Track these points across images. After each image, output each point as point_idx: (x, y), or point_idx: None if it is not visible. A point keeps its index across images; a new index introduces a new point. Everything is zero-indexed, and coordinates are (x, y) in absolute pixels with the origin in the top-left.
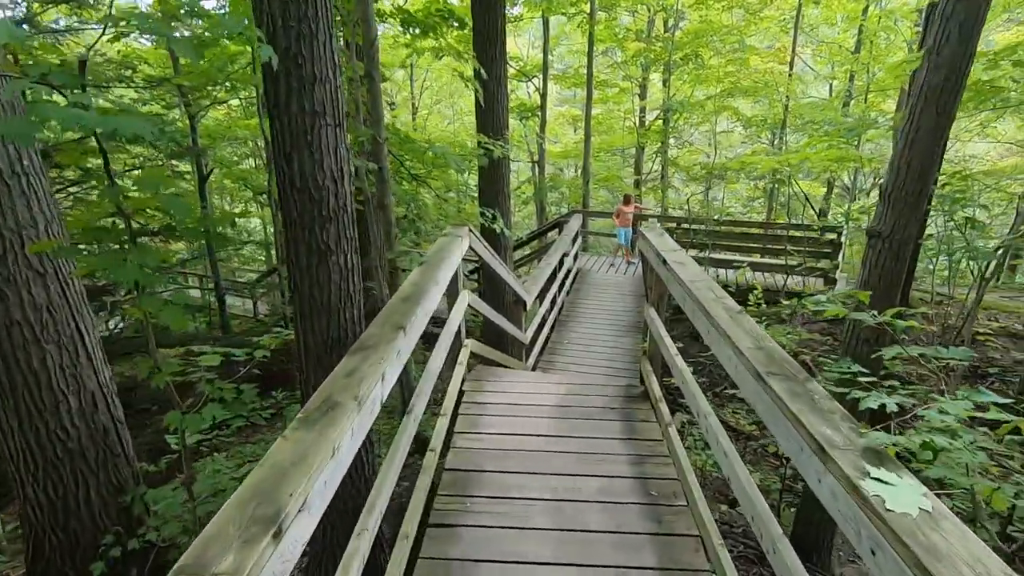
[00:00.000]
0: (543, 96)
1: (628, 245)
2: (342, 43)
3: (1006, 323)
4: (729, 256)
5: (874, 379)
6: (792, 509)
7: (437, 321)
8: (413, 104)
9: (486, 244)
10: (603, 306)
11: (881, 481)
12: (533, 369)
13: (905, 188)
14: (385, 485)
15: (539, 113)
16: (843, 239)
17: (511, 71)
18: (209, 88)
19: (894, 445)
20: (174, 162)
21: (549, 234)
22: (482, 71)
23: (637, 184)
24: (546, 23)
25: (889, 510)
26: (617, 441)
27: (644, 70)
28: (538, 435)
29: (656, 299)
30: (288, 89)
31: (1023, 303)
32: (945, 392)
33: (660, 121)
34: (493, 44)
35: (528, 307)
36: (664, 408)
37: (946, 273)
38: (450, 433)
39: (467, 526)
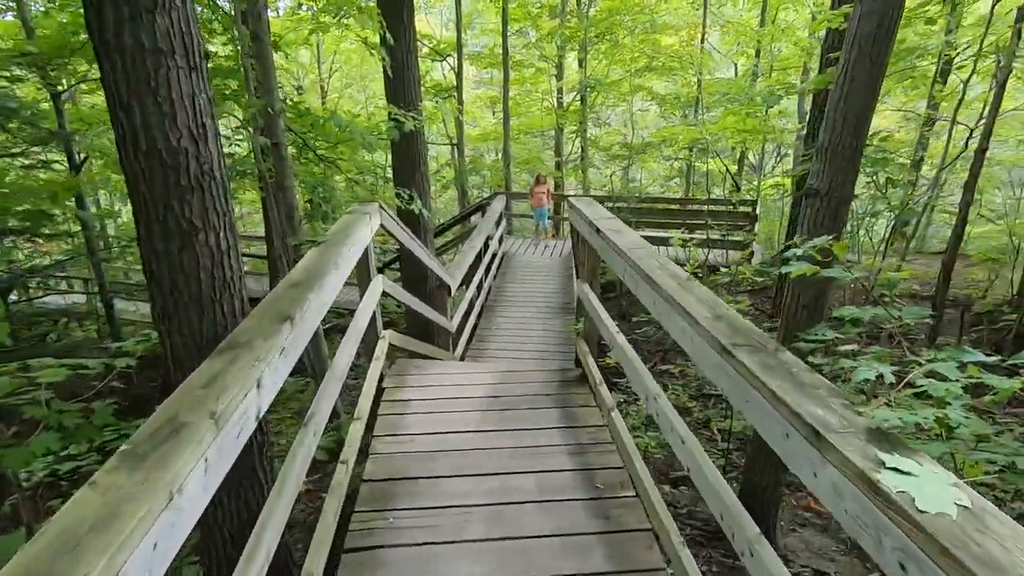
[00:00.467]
0: (459, 76)
1: (545, 225)
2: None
3: (904, 286)
4: (652, 233)
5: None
6: (734, 484)
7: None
8: (322, 87)
9: (402, 224)
10: (531, 288)
11: (900, 471)
12: (462, 359)
13: (842, 142)
14: (270, 526)
15: (455, 94)
16: (757, 211)
17: (424, 50)
18: (72, 62)
19: (900, 423)
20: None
21: (472, 218)
22: (388, 36)
23: (558, 166)
24: (458, 1)
25: (922, 511)
26: (556, 431)
27: (560, 49)
28: (469, 431)
29: (589, 273)
30: (118, 17)
31: (917, 267)
32: (907, 357)
33: (578, 101)
34: (400, 6)
35: (453, 292)
36: (604, 392)
37: (863, 235)
38: (368, 438)
39: (392, 546)
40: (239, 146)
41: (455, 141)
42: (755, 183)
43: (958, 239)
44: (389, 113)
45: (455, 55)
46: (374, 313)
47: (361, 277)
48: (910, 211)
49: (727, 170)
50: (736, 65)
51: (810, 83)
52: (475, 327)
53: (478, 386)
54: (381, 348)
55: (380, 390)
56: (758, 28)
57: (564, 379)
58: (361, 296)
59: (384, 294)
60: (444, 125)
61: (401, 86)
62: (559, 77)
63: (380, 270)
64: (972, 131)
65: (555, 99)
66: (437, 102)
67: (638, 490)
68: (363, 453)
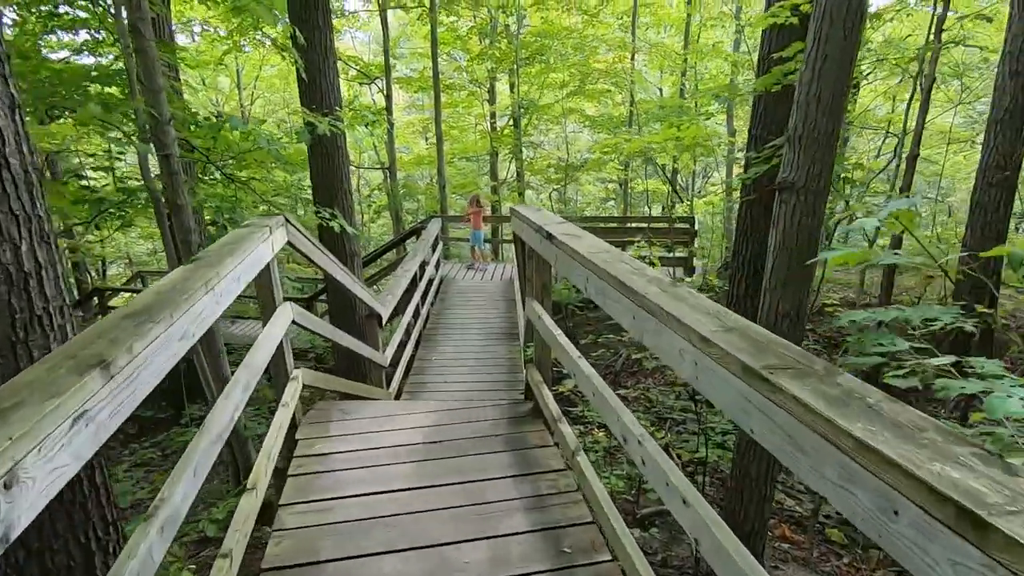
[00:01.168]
0: (388, 98)
1: (482, 248)
2: None
3: (843, 294)
4: None
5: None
6: None
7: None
8: (243, 115)
9: (318, 243)
10: (472, 315)
11: None
12: (398, 396)
13: (817, 127)
14: None
15: (386, 116)
16: (696, 227)
17: (351, 73)
18: None
19: None
20: None
21: (408, 244)
22: (299, 35)
23: (495, 190)
24: (384, 20)
25: None
26: (509, 481)
27: (490, 72)
28: (403, 489)
29: (539, 290)
30: None
31: (853, 276)
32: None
33: (511, 125)
34: (314, 9)
35: (384, 322)
36: (566, 430)
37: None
38: (270, 512)
39: None
40: (124, 161)
41: (387, 166)
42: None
43: (898, 244)
44: (304, 120)
45: (383, 78)
46: (280, 347)
47: (264, 303)
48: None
49: (669, 184)
50: (661, 89)
51: (757, 83)
52: (412, 358)
53: (415, 430)
54: (291, 392)
55: (293, 443)
56: (682, 50)
57: (515, 415)
58: (264, 326)
59: (299, 326)
60: (376, 152)
61: (317, 92)
62: (491, 101)
63: (308, 301)
64: (900, 139)
65: (488, 123)
66: (367, 125)
67: (615, 552)
68: (270, 526)
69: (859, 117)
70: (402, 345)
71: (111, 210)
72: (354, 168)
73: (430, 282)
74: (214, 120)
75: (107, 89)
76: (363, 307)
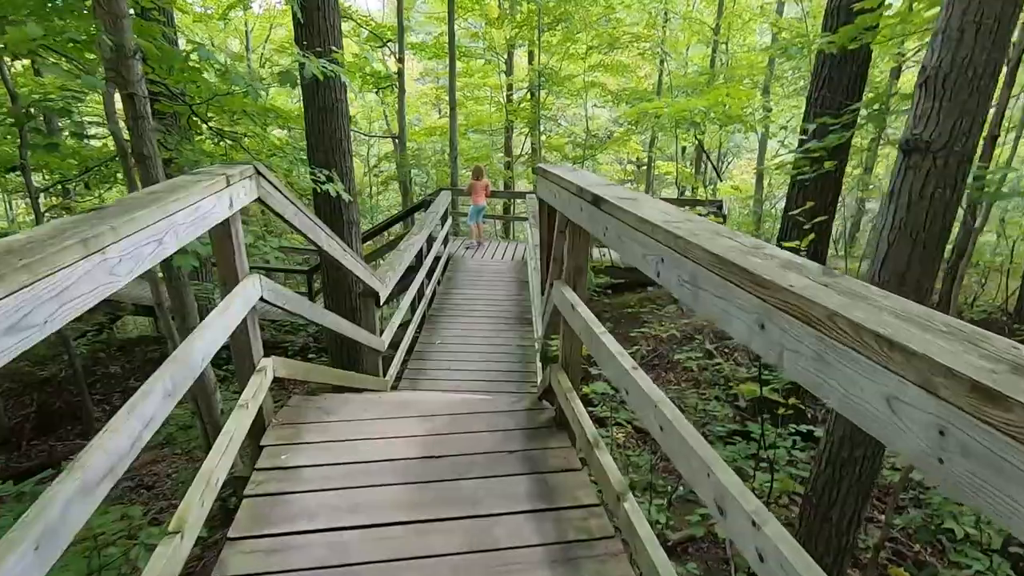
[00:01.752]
0: (400, 61)
1: (480, 222)
2: None
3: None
4: None
5: None
6: None
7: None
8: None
9: (298, 203)
10: (480, 296)
11: None
12: (395, 385)
13: (972, 64)
14: None
15: (396, 83)
16: (725, 211)
17: (363, 35)
18: None
19: None
20: None
21: (415, 217)
22: None
23: (508, 165)
24: None
25: None
26: (523, 519)
27: (509, 41)
28: (387, 524)
29: (573, 271)
30: None
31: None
32: None
33: (529, 97)
34: None
35: (383, 301)
36: (607, 461)
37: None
38: (216, 552)
39: None
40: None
41: (396, 135)
42: (713, 184)
43: (968, 235)
44: (298, 60)
45: (396, 41)
46: (243, 329)
47: (221, 275)
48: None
49: (707, 158)
50: (686, 64)
51: (836, 36)
52: (414, 340)
53: (408, 440)
54: (254, 387)
55: (257, 451)
56: (714, 21)
57: (532, 424)
58: (221, 299)
59: (269, 303)
60: (387, 121)
61: (314, 31)
62: (508, 72)
63: (309, 275)
64: None
65: (504, 95)
66: (378, 94)
67: None
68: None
69: None
70: (403, 327)
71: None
72: (363, 135)
73: (437, 259)
74: (184, 54)
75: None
76: (358, 283)
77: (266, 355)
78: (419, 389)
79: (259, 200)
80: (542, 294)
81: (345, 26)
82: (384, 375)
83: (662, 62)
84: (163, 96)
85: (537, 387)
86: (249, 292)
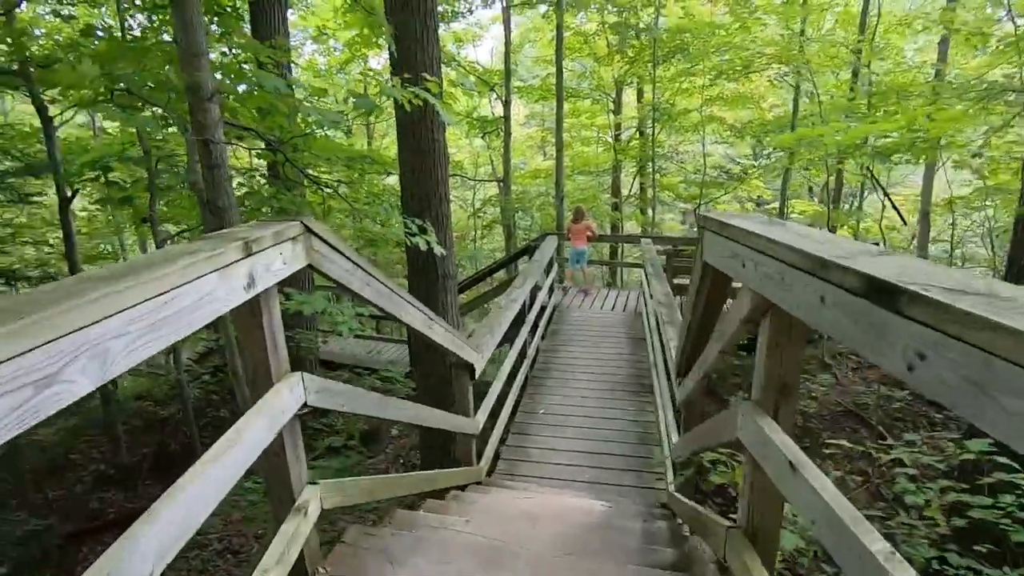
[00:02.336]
0: (506, 104)
1: (583, 267)
2: None
3: None
4: None
5: None
6: None
7: None
8: (367, 127)
9: (366, 264)
10: (589, 355)
11: None
12: (491, 469)
13: None
14: None
15: (502, 127)
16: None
17: (471, 78)
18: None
19: None
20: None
21: (518, 263)
22: None
23: (616, 207)
24: (507, 19)
25: None
26: None
27: (618, 78)
28: None
29: (777, 387)
30: None
31: None
32: None
33: (638, 135)
34: None
35: (478, 373)
36: None
37: None
38: None
39: None
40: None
41: (501, 178)
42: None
43: None
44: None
45: (503, 84)
46: (279, 443)
47: (253, 371)
48: None
49: (884, 194)
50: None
51: None
52: (515, 408)
53: None
54: (288, 535)
55: None
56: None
57: None
58: (242, 417)
59: (320, 410)
60: (492, 165)
61: (411, 64)
62: (616, 111)
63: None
64: None
65: (612, 135)
66: (484, 138)
67: None
68: None
69: None
70: (501, 398)
71: None
72: (469, 179)
73: (542, 310)
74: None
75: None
76: (450, 353)
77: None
78: (518, 477)
79: (310, 267)
80: (670, 377)
81: (452, 73)
82: (478, 460)
83: (797, 88)
84: (252, 138)
85: (666, 488)
86: (284, 401)
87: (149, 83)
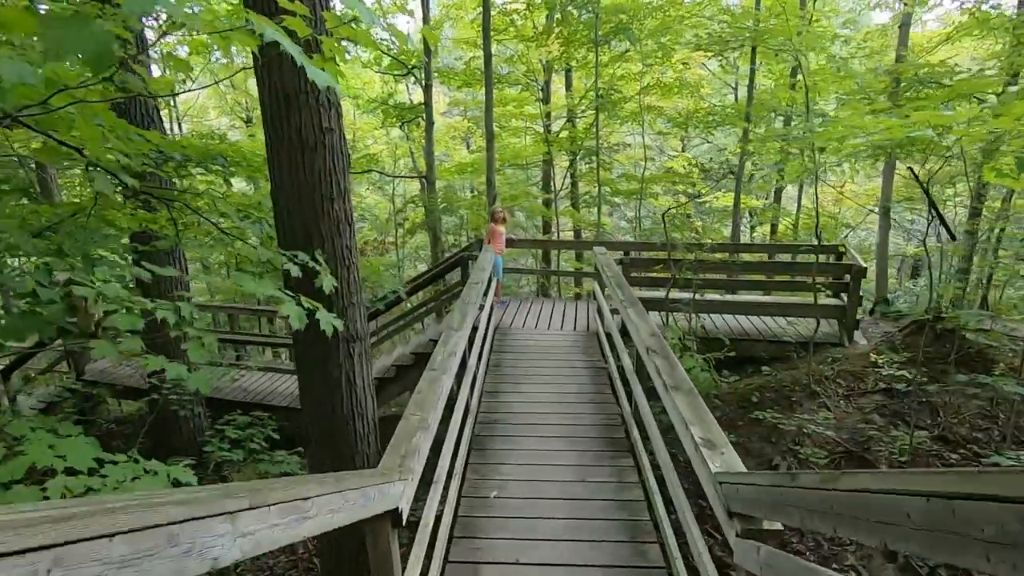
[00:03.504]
0: (427, 88)
1: (499, 279)
2: None
3: None
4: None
5: None
6: None
7: None
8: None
9: None
10: (546, 396)
11: None
12: None
13: None
14: None
15: (424, 115)
16: (857, 261)
17: (385, 63)
18: None
19: None
20: None
21: (448, 277)
22: None
23: (547, 204)
24: None
25: None
26: None
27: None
28: None
29: None
30: None
31: None
32: None
33: (577, 125)
34: None
35: (406, 513)
36: None
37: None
38: None
39: None
40: None
41: (424, 174)
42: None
43: None
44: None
45: (422, 68)
46: None
47: None
48: None
49: (923, 192)
50: (736, 88)
51: None
52: (461, 486)
53: None
54: None
55: None
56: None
57: None
58: None
59: None
60: (412, 159)
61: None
62: (546, 100)
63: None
64: None
65: (543, 124)
66: (402, 127)
67: None
68: None
69: None
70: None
71: None
72: (386, 175)
73: (484, 340)
74: None
75: None
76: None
77: None
78: None
79: None
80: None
81: (364, 54)
82: None
83: (752, 73)
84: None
85: None
86: None
87: None
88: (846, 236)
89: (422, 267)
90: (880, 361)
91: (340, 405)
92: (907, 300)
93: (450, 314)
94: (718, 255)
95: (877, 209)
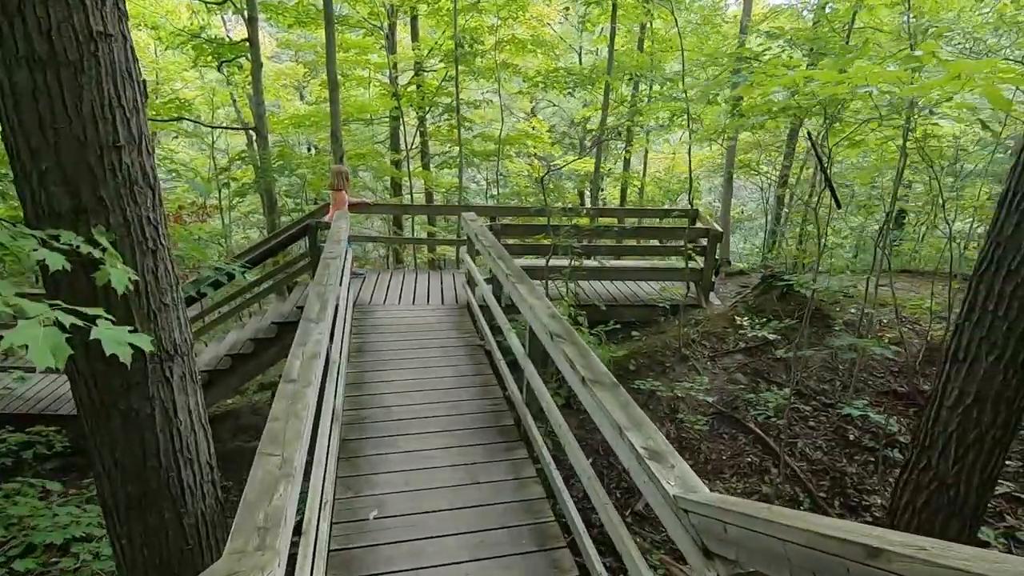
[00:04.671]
0: (251, 22)
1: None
2: None
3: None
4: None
5: None
6: None
7: None
8: None
9: None
10: (420, 383)
11: None
12: None
13: None
14: None
15: (248, 54)
16: (714, 223)
17: None
18: None
19: None
20: None
21: (291, 248)
22: None
23: (397, 164)
24: None
25: None
26: None
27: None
28: None
29: None
30: None
31: (900, 289)
32: None
33: (426, 78)
34: None
35: None
36: None
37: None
38: None
39: None
40: None
41: (252, 126)
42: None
43: None
44: None
45: None
46: None
47: None
48: None
49: (816, 155)
50: (580, 51)
51: None
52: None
53: None
54: None
55: None
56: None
57: None
58: None
59: None
60: (236, 108)
61: None
62: (391, 49)
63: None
64: None
65: (390, 75)
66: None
67: None
68: None
69: None
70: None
71: None
72: (202, 125)
73: (344, 326)
74: None
75: None
76: None
77: None
78: None
79: None
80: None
81: None
82: None
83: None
84: None
85: None
86: None
87: None
88: (693, 200)
89: (254, 235)
90: (741, 322)
91: (156, 453)
92: (746, 261)
93: (308, 303)
94: (604, 220)
95: (723, 175)
